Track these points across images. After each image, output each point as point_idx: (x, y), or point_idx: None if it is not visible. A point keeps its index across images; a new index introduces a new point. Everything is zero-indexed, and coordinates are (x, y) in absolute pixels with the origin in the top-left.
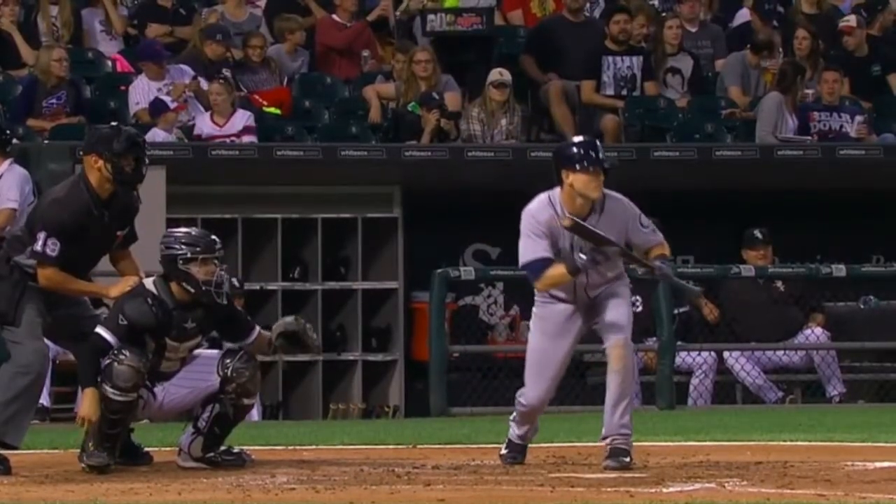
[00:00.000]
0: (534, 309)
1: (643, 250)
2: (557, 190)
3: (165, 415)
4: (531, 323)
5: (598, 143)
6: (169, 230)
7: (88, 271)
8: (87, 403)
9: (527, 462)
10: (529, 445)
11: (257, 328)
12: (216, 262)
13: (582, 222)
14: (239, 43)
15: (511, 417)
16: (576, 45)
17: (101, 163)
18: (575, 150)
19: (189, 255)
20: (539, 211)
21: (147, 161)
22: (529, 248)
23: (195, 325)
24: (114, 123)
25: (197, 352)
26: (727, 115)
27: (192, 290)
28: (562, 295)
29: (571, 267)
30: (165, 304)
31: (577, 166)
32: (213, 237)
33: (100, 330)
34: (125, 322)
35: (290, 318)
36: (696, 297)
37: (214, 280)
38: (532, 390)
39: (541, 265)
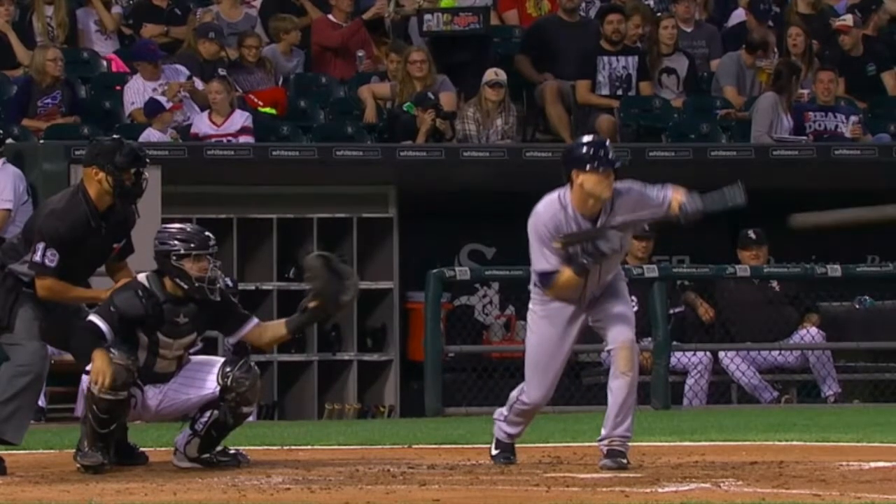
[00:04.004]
0: (532, 306)
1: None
2: (568, 189)
3: (162, 418)
4: (530, 321)
5: (607, 142)
6: (163, 226)
7: (84, 281)
8: (98, 362)
9: (522, 462)
10: (525, 446)
11: (254, 320)
12: (210, 258)
13: (572, 234)
14: (234, 43)
15: (499, 416)
16: (571, 45)
17: (101, 175)
18: (584, 150)
19: (182, 251)
20: (546, 213)
21: (147, 175)
22: (539, 257)
23: (188, 320)
24: (115, 136)
25: (196, 358)
26: (722, 116)
27: (185, 287)
28: (569, 295)
29: (578, 268)
30: (156, 296)
31: (587, 167)
32: (208, 233)
33: (92, 317)
34: (115, 310)
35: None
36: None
37: (207, 276)
38: (535, 389)
39: (551, 275)
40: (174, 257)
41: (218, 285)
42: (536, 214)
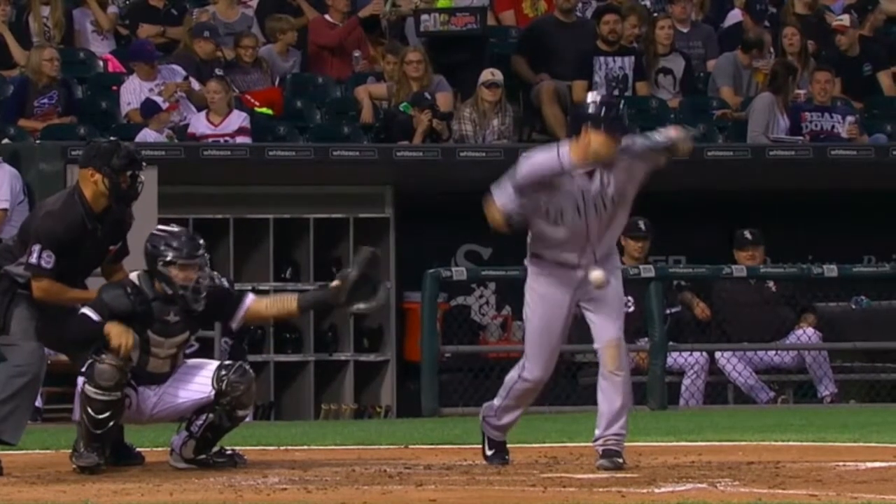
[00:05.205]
0: (531, 283)
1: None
2: (567, 148)
3: (157, 421)
4: (529, 298)
5: (622, 104)
6: (158, 227)
7: (81, 283)
8: (114, 331)
9: (518, 462)
10: (522, 446)
11: (250, 296)
12: (198, 267)
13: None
14: (230, 43)
15: (488, 412)
16: (567, 45)
17: (97, 177)
18: (599, 109)
19: (169, 258)
20: (539, 158)
21: (143, 179)
22: (504, 187)
23: (179, 319)
24: (112, 138)
25: (191, 361)
26: (719, 116)
27: (169, 293)
28: (568, 258)
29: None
30: (144, 294)
31: (596, 126)
32: (199, 242)
33: (85, 310)
34: (104, 305)
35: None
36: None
37: (191, 286)
38: (538, 365)
39: (494, 204)
40: (161, 262)
41: (202, 295)
42: (531, 156)
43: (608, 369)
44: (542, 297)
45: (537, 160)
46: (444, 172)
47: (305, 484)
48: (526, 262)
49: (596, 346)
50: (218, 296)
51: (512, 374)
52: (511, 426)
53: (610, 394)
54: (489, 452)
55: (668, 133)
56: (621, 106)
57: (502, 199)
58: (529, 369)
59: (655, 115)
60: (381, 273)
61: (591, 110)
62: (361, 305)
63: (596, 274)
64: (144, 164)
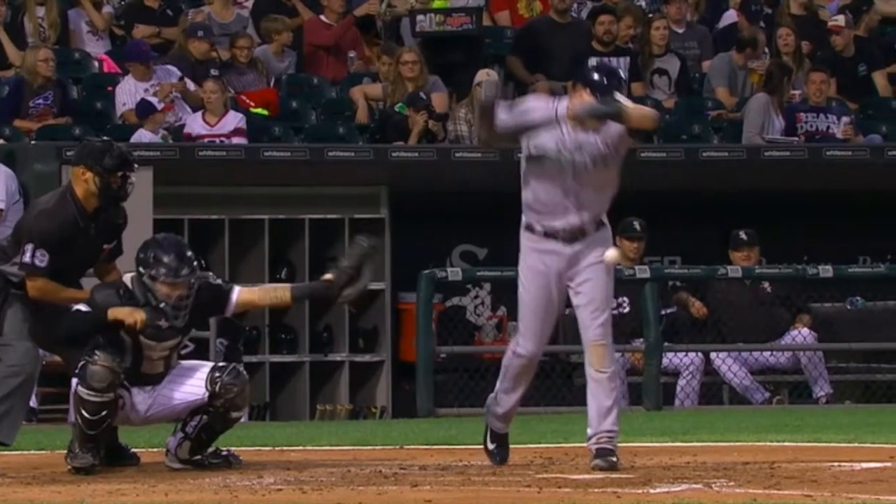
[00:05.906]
0: (524, 259)
1: None
2: (565, 103)
3: (151, 423)
4: (522, 275)
5: (623, 77)
6: (156, 235)
7: (76, 282)
8: (122, 313)
9: (514, 463)
10: (517, 446)
11: (237, 288)
12: (183, 286)
13: (580, 113)
14: (226, 43)
15: (491, 402)
16: (563, 45)
17: (88, 175)
18: (600, 77)
19: (154, 273)
20: (539, 99)
21: (133, 180)
22: (509, 107)
23: (170, 324)
24: (105, 138)
25: (185, 362)
26: (714, 116)
27: (153, 304)
28: (555, 225)
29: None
30: (136, 298)
31: (590, 91)
32: (188, 258)
33: (79, 306)
34: (96, 304)
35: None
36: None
37: (172, 302)
38: (531, 341)
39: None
40: (147, 274)
41: (183, 312)
42: (532, 100)
43: (594, 368)
44: (533, 273)
45: (536, 104)
46: (439, 173)
47: (301, 485)
48: (520, 236)
49: (583, 345)
50: (207, 291)
51: (507, 354)
52: (512, 415)
53: (597, 392)
54: (491, 446)
55: (625, 102)
56: (622, 79)
57: (513, 109)
58: (523, 344)
59: None
60: (377, 270)
61: (594, 76)
62: (348, 293)
63: (611, 253)
64: (136, 165)
